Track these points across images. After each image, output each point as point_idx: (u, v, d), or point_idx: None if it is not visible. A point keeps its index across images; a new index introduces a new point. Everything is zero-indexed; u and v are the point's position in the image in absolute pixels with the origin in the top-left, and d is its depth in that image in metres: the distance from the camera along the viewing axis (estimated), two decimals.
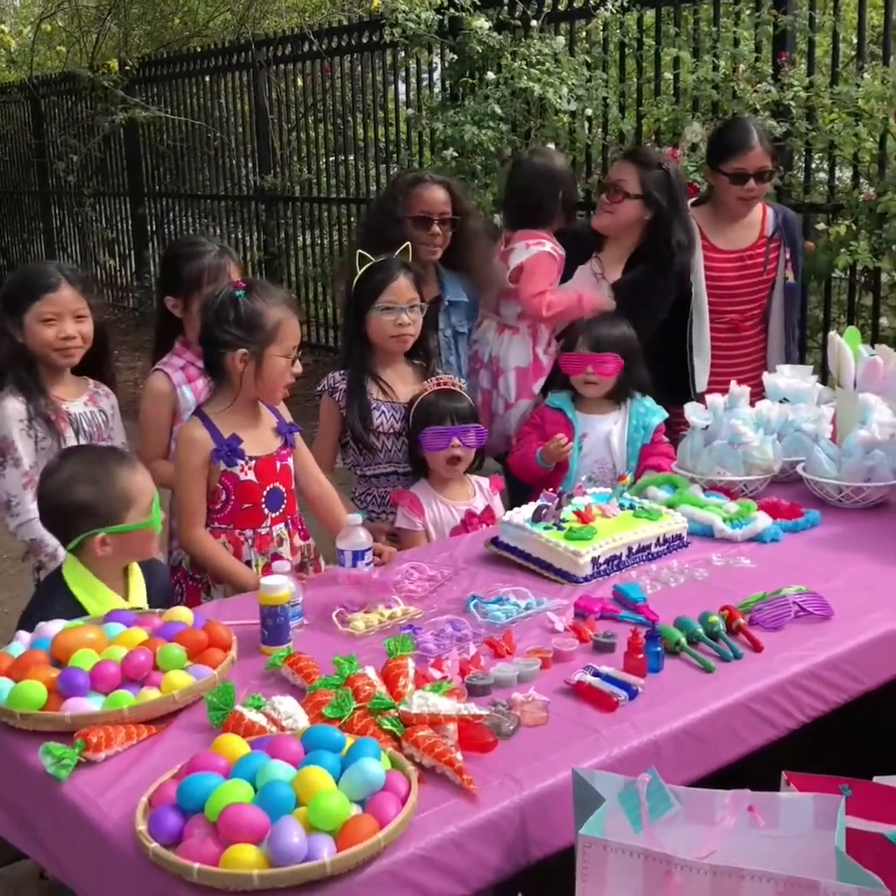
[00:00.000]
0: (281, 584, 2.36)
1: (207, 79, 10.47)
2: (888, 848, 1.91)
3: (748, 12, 5.61)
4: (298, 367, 3.00)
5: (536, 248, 4.02)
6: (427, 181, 3.89)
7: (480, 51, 6.41)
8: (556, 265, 4.03)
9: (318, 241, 9.47)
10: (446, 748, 1.89)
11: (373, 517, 3.45)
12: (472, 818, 1.80)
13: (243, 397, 2.97)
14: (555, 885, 1.87)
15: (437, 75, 7.73)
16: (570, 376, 3.66)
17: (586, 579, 2.71)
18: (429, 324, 3.56)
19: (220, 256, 3.46)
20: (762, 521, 2.99)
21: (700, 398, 3.79)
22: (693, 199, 4.34)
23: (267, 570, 2.83)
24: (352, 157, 9.16)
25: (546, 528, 2.82)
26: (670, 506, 3.05)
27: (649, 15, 6.17)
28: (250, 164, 10.14)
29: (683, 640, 2.33)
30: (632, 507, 2.99)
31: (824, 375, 4.53)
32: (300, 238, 9.62)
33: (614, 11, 5.92)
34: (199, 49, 10.87)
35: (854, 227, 4.74)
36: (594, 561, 2.72)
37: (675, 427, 3.82)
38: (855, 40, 5.50)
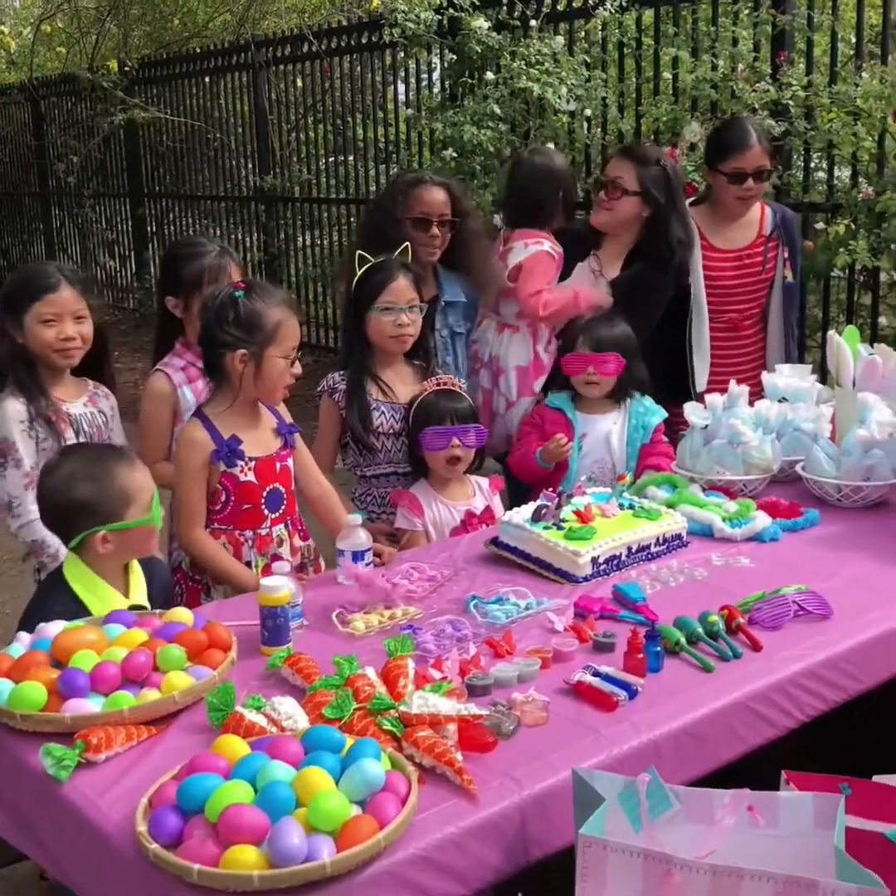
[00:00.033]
0: (281, 585, 2.36)
1: (207, 79, 10.48)
2: (888, 847, 1.91)
3: (747, 12, 5.61)
4: (298, 368, 3.01)
5: (535, 248, 4.02)
6: (427, 182, 3.89)
7: (480, 51, 6.41)
8: (554, 264, 4.04)
9: (318, 242, 9.47)
10: (446, 748, 1.89)
11: (373, 518, 3.45)
12: (472, 818, 1.80)
13: (243, 398, 2.97)
14: (555, 885, 1.87)
15: (436, 75, 7.73)
16: (570, 377, 3.66)
17: (586, 579, 2.71)
18: (426, 324, 3.56)
19: (221, 257, 3.46)
20: (761, 520, 2.99)
21: (699, 398, 3.79)
22: (692, 199, 4.35)
23: (267, 570, 2.83)
24: (351, 158, 9.16)
25: (546, 527, 2.83)
26: (670, 505, 3.05)
27: (648, 15, 6.16)
28: (250, 165, 10.15)
29: (683, 639, 2.33)
30: (631, 506, 2.99)
31: (823, 375, 4.53)
32: (300, 238, 9.63)
33: (613, 11, 5.92)
34: (198, 50, 10.88)
35: (853, 226, 4.74)
36: (594, 561, 2.73)
37: (675, 427, 3.82)
38: (853, 40, 5.49)
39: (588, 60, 6.20)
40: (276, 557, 2.98)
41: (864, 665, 2.38)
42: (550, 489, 3.06)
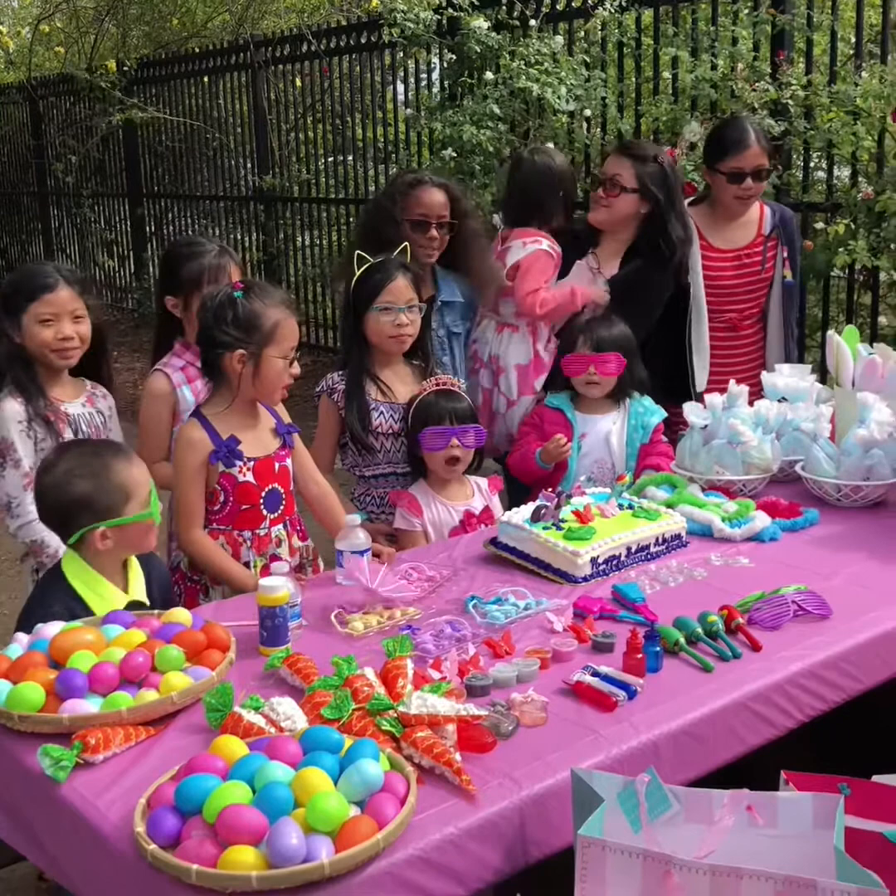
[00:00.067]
0: (279, 585, 2.36)
1: (206, 79, 10.47)
2: (887, 847, 1.90)
3: (746, 11, 5.61)
4: (296, 369, 3.00)
5: (533, 246, 4.02)
6: (426, 183, 3.88)
7: (479, 51, 6.40)
8: (552, 263, 4.04)
9: (317, 242, 9.47)
10: (445, 749, 1.89)
11: (372, 518, 3.45)
12: (471, 819, 1.80)
13: (241, 398, 2.97)
14: (554, 885, 1.87)
15: (435, 75, 7.73)
16: (571, 378, 3.66)
17: (585, 579, 2.71)
18: (425, 324, 3.55)
19: (221, 256, 3.45)
20: (761, 520, 2.99)
21: (699, 398, 3.79)
22: (691, 199, 4.35)
23: (265, 571, 2.83)
24: (350, 158, 9.16)
25: (545, 528, 2.82)
26: (669, 505, 3.05)
27: (647, 14, 6.16)
28: (249, 165, 10.14)
29: (682, 639, 2.33)
30: (631, 506, 2.99)
31: (823, 374, 4.53)
32: (299, 238, 9.63)
33: (612, 11, 5.92)
34: (197, 50, 10.88)
35: (852, 225, 4.74)
36: (593, 561, 2.72)
37: (674, 427, 3.82)
38: (853, 39, 5.49)
39: (587, 60, 6.20)
40: (275, 558, 2.98)
41: (863, 665, 2.38)
42: (549, 489, 3.06)
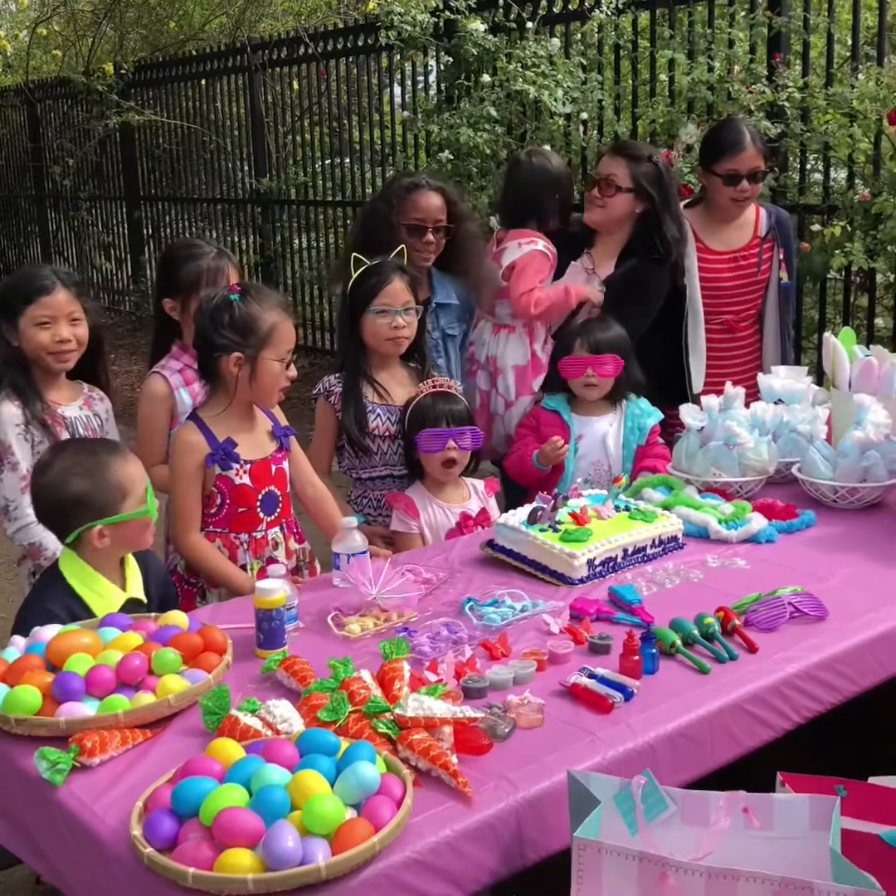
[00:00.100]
0: (276, 588, 2.36)
1: (203, 82, 10.48)
2: (884, 848, 1.91)
3: (743, 14, 5.62)
4: (293, 372, 3.00)
5: (529, 247, 4.03)
6: (422, 187, 3.87)
7: (476, 53, 6.41)
8: (547, 263, 4.04)
9: (315, 244, 9.48)
10: (441, 751, 1.89)
11: (370, 520, 3.45)
12: (467, 821, 1.80)
13: (238, 401, 2.97)
14: (551, 887, 1.87)
15: (432, 78, 7.74)
16: (568, 381, 3.66)
17: (582, 581, 2.71)
18: (421, 326, 3.56)
19: (219, 258, 3.46)
20: (757, 522, 2.99)
21: (696, 399, 3.79)
22: (687, 201, 4.35)
23: (262, 573, 2.82)
24: (348, 160, 9.17)
25: (541, 530, 2.82)
26: (666, 507, 3.05)
27: (644, 17, 6.17)
28: (246, 168, 10.15)
29: (679, 641, 2.33)
30: (627, 508, 2.99)
31: (820, 376, 4.54)
32: (296, 241, 9.63)
33: (609, 13, 5.93)
34: (194, 52, 10.88)
35: (849, 228, 4.75)
36: (590, 563, 2.72)
37: (671, 428, 3.82)
38: (849, 41, 5.50)
39: (584, 63, 6.20)
40: (272, 560, 2.98)
41: (860, 666, 2.37)
42: (546, 491, 3.06)
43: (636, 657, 2.23)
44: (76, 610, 2.49)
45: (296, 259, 9.69)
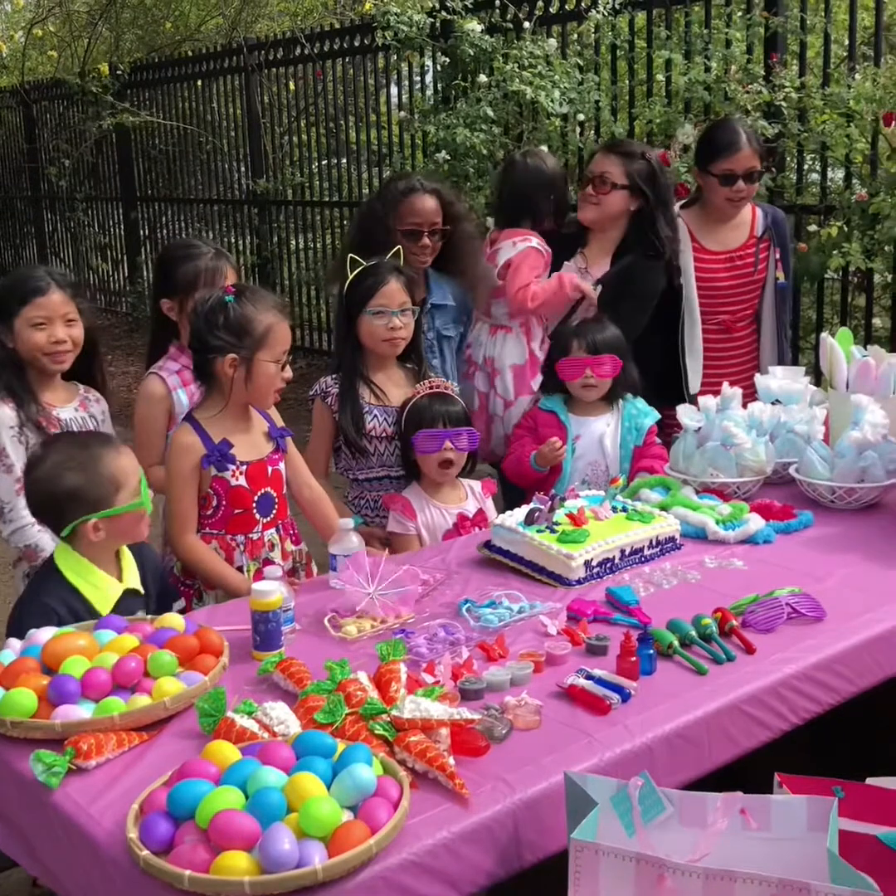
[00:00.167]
0: (272, 590, 2.35)
1: (199, 83, 10.47)
2: (881, 849, 1.90)
3: (739, 14, 5.62)
4: (288, 373, 3.00)
5: (523, 244, 4.03)
6: (417, 190, 3.85)
7: (472, 54, 6.41)
8: (542, 259, 4.04)
9: (311, 245, 9.48)
10: (438, 753, 1.89)
11: (367, 521, 3.45)
12: (464, 823, 1.79)
13: (234, 402, 2.96)
14: (548, 889, 1.86)
15: (429, 78, 7.74)
16: (567, 382, 3.65)
17: (579, 582, 2.70)
18: (417, 327, 3.55)
19: (217, 259, 3.45)
20: (755, 522, 2.99)
21: (693, 400, 3.79)
22: (683, 201, 4.35)
23: (258, 575, 2.82)
24: (344, 161, 9.16)
25: (538, 531, 2.82)
26: (663, 508, 3.04)
27: (641, 17, 6.18)
28: (243, 168, 10.14)
29: (676, 642, 2.32)
30: (624, 509, 2.98)
31: (818, 376, 4.54)
32: (293, 242, 9.63)
33: (606, 14, 5.93)
34: (190, 53, 10.88)
35: (845, 228, 4.75)
36: (587, 564, 2.72)
37: (668, 429, 3.82)
38: (846, 41, 5.50)
39: (581, 63, 6.20)
40: (268, 562, 2.97)
41: (857, 667, 2.37)
42: (543, 492, 3.06)
43: (633, 658, 2.23)
44: (73, 603, 2.49)
45: (293, 260, 9.69)
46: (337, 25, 9.24)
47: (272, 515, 3.04)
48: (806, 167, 5.58)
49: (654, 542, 2.88)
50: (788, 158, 5.49)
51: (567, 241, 4.14)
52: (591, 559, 2.73)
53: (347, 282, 3.45)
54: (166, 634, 2.26)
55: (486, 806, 1.83)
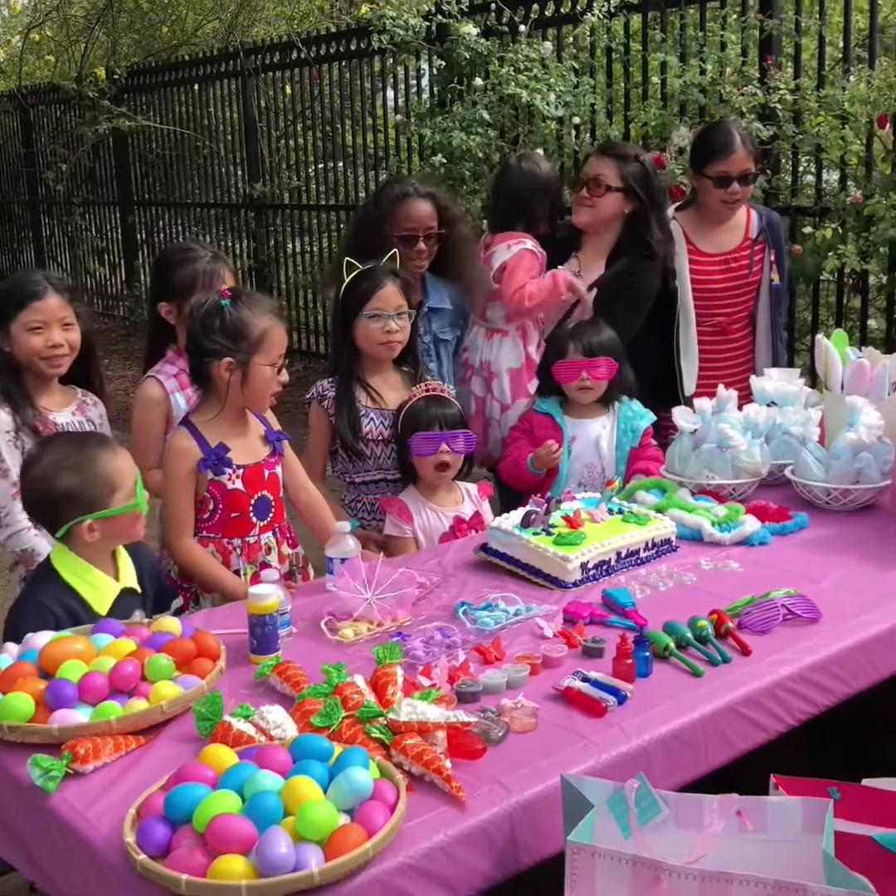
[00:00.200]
0: (269, 593, 2.35)
1: (196, 87, 10.47)
2: (877, 851, 1.91)
3: (734, 16, 5.63)
4: (285, 376, 3.00)
5: (518, 247, 4.04)
6: (411, 196, 3.84)
7: (468, 57, 6.41)
8: (537, 261, 4.05)
9: (308, 249, 9.48)
10: (435, 756, 1.89)
11: (364, 524, 3.45)
12: (461, 826, 1.79)
13: (230, 406, 2.97)
14: (545, 892, 1.86)
15: (425, 82, 7.74)
16: (563, 384, 3.65)
17: (575, 584, 2.71)
18: (414, 330, 3.56)
19: (214, 262, 3.46)
20: (750, 524, 3.00)
21: (688, 402, 3.79)
22: (678, 203, 4.36)
23: (255, 578, 2.83)
24: (341, 164, 9.16)
25: (535, 533, 2.82)
26: (659, 510, 3.05)
27: (636, 20, 6.18)
28: (239, 172, 10.15)
29: (672, 644, 2.32)
30: (620, 511, 2.99)
31: (813, 378, 4.55)
32: (290, 245, 9.63)
33: (601, 17, 5.93)
34: (187, 57, 10.88)
35: (840, 230, 4.75)
36: (583, 566, 2.72)
37: (664, 431, 3.82)
38: (841, 44, 5.51)
39: (576, 66, 6.21)
40: (265, 565, 2.98)
41: (853, 668, 2.38)
42: (539, 495, 3.06)
43: (629, 660, 2.23)
44: (70, 603, 2.49)
45: (289, 263, 9.69)
46: (333, 29, 9.24)
47: (269, 519, 3.05)
48: (801, 169, 5.59)
49: (649, 545, 2.89)
50: (783, 160, 5.50)
51: (561, 244, 4.14)
52: (588, 561, 2.73)
53: (344, 285, 3.46)
54: (163, 638, 2.26)
55: (482, 809, 1.83)
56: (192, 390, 3.26)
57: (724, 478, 3.26)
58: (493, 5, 6.44)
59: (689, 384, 4.15)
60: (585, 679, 2.19)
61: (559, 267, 4.09)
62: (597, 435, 3.64)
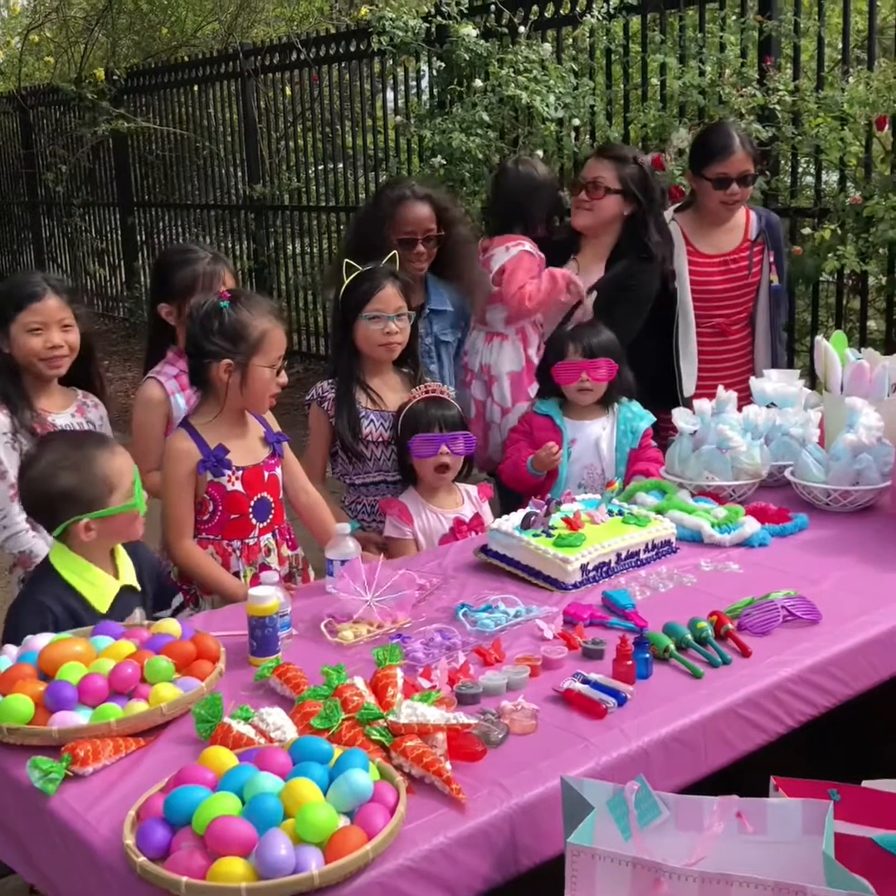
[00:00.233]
0: (269, 595, 2.35)
1: (195, 88, 10.47)
2: (877, 852, 1.90)
3: (733, 18, 5.63)
4: (284, 378, 3.00)
5: (516, 249, 4.04)
6: (408, 199, 3.83)
7: (468, 58, 6.41)
8: (535, 262, 4.05)
9: (308, 250, 9.48)
10: (435, 758, 1.89)
11: (364, 526, 3.45)
12: (460, 828, 1.79)
13: (229, 408, 2.97)
14: (545, 894, 1.86)
15: (424, 83, 7.74)
16: (563, 386, 3.65)
17: (575, 586, 2.71)
18: (413, 331, 3.56)
19: (214, 263, 3.46)
20: (750, 525, 3.00)
21: (687, 403, 3.79)
22: (677, 204, 4.36)
23: (255, 580, 2.82)
24: (341, 166, 9.17)
25: (535, 535, 2.82)
26: (659, 511, 3.05)
27: (635, 21, 6.18)
28: (239, 174, 10.15)
29: (672, 646, 2.32)
30: (620, 513, 2.99)
31: (813, 379, 4.54)
32: (290, 247, 9.63)
33: (600, 18, 5.93)
34: (187, 59, 10.88)
35: (840, 231, 4.75)
36: (583, 568, 2.72)
37: (663, 432, 3.82)
38: (840, 45, 5.51)
39: (576, 68, 6.21)
40: (265, 567, 2.97)
41: (853, 670, 2.38)
42: (539, 496, 3.06)
43: (629, 662, 2.23)
44: (69, 601, 2.49)
45: (289, 264, 9.69)
46: (333, 31, 9.23)
47: (268, 520, 3.05)
48: (800, 170, 5.59)
49: (649, 546, 2.89)
50: (783, 161, 5.50)
51: (559, 247, 4.14)
52: (588, 563, 2.73)
53: (344, 287, 3.46)
54: (163, 640, 2.26)
55: (482, 811, 1.83)
56: (192, 391, 3.26)
57: (724, 479, 3.26)
58: (492, 7, 6.44)
59: (689, 385, 4.15)
60: (585, 681, 2.19)
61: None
62: (596, 436, 3.64)
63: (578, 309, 4.00)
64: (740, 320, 4.26)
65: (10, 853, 2.07)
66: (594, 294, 4.00)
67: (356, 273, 3.44)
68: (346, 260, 3.47)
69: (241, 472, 2.96)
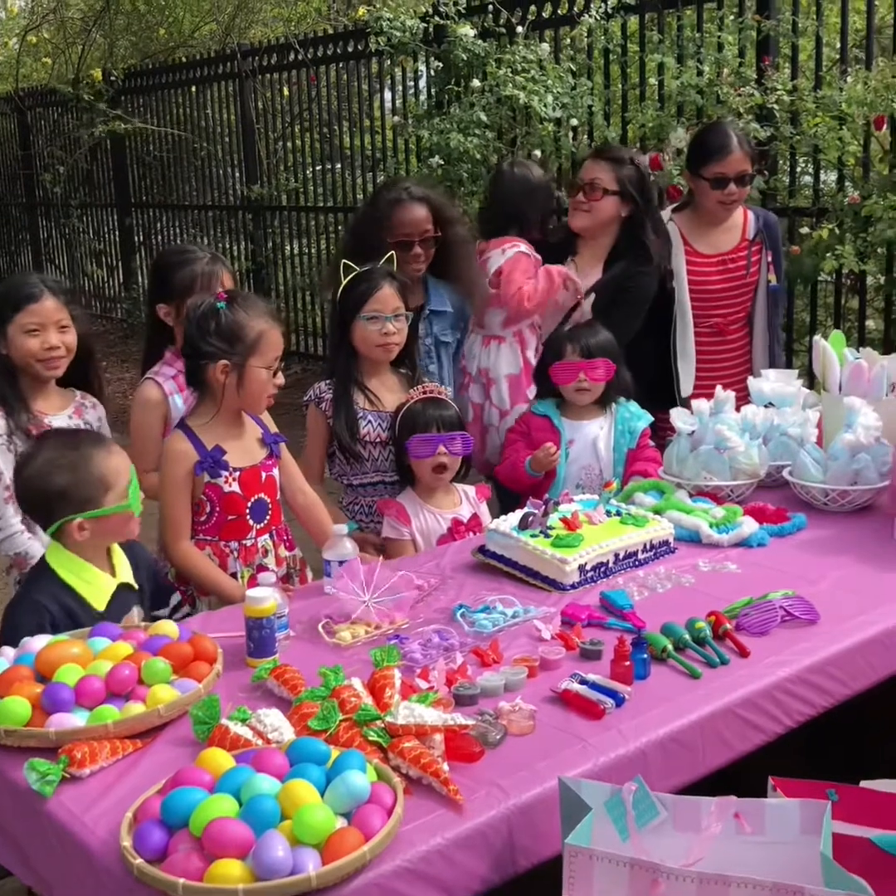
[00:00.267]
0: (266, 596, 2.35)
1: (193, 89, 10.48)
2: (875, 852, 1.90)
3: (731, 17, 5.63)
4: (281, 379, 3.00)
5: (512, 251, 4.04)
6: (404, 201, 3.82)
7: (465, 58, 6.42)
8: (532, 263, 4.05)
9: (306, 250, 9.48)
10: (432, 759, 1.89)
11: (362, 527, 3.45)
12: (458, 829, 1.79)
13: (226, 409, 2.97)
14: (542, 894, 1.86)
15: (422, 83, 7.74)
16: (560, 386, 3.65)
17: (573, 586, 2.70)
18: (412, 332, 3.55)
19: (212, 263, 3.45)
20: (748, 525, 2.99)
21: (685, 403, 3.79)
22: (675, 204, 4.35)
23: (252, 581, 2.82)
24: (338, 166, 9.17)
25: (533, 535, 2.82)
26: (657, 511, 3.04)
27: (633, 21, 6.18)
28: (237, 174, 10.15)
29: (670, 646, 2.32)
30: (618, 513, 2.98)
31: (811, 379, 4.54)
32: (288, 247, 9.63)
33: (598, 18, 5.94)
34: (184, 59, 10.89)
35: (838, 230, 4.75)
36: (581, 568, 2.72)
37: (661, 432, 3.82)
38: (838, 44, 5.51)
39: (574, 68, 6.21)
40: (262, 568, 2.97)
41: (851, 670, 2.37)
42: (537, 497, 3.06)
43: (627, 662, 2.23)
44: (65, 600, 2.49)
45: (287, 265, 9.69)
46: (330, 31, 9.24)
47: (266, 521, 3.05)
48: (798, 170, 5.59)
49: (647, 546, 2.88)
50: (781, 161, 5.50)
51: (556, 249, 4.14)
52: (586, 563, 2.73)
53: (341, 287, 3.45)
54: (160, 642, 2.26)
55: (480, 812, 1.83)
56: (189, 392, 3.26)
57: (722, 479, 3.26)
58: (490, 7, 6.45)
59: (687, 385, 4.15)
60: (583, 681, 2.19)
61: None
62: (594, 436, 3.64)
63: (576, 311, 4.00)
64: (738, 320, 4.25)
65: (7, 855, 2.06)
66: (592, 296, 4.00)
67: (354, 274, 3.44)
68: (344, 260, 3.47)
69: (238, 473, 2.96)
